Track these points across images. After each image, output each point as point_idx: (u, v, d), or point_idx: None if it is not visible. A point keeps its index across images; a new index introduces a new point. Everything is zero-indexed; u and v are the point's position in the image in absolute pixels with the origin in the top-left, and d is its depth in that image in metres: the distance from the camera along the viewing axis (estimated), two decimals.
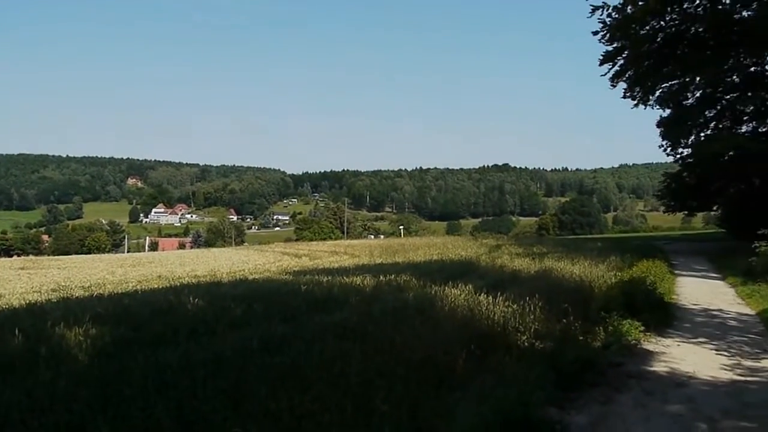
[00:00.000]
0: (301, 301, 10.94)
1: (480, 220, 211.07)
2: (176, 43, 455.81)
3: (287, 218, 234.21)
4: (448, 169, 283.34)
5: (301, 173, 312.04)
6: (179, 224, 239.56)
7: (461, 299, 9.97)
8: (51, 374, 6.11)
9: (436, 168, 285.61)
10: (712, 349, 9.65)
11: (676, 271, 21.13)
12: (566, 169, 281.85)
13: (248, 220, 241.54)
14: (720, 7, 26.67)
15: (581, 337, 8.95)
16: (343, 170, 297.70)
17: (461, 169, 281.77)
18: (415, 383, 6.15)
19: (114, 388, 5.62)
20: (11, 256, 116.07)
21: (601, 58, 29.52)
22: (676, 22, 27.57)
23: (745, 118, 33.12)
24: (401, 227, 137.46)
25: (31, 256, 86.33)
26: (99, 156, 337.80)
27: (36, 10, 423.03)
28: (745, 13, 26.62)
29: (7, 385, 5.84)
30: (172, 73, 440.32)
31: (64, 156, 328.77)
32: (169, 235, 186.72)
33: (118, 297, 13.50)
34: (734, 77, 31.32)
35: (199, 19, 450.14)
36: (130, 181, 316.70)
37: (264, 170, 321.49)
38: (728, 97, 32.48)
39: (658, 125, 35.42)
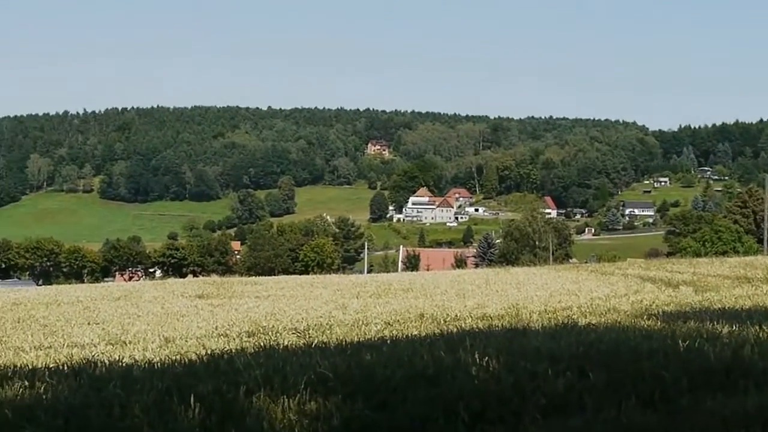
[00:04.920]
0: (679, 370, 10.71)
1: None
2: None
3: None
4: None
5: None
6: (454, 223, 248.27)
7: None
8: None
9: None
10: None
11: None
12: None
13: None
14: None
15: None
16: None
17: None
18: None
19: None
20: (185, 275, 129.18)
21: None
22: None
23: None
24: None
25: (213, 277, 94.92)
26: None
27: None
28: None
29: None
30: None
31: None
32: (440, 244, 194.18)
33: (354, 348, 14.29)
34: None
35: None
36: (373, 149, 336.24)
37: None
38: None
39: None
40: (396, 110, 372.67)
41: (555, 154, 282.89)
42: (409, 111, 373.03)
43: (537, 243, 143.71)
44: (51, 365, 14.76)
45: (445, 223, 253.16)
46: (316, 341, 17.44)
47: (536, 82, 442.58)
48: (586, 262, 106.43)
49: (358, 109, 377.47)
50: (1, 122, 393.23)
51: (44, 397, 9.44)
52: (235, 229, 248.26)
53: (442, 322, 22.32)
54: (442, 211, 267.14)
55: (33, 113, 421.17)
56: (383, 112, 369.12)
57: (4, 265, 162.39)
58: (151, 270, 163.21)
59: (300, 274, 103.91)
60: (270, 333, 21.83)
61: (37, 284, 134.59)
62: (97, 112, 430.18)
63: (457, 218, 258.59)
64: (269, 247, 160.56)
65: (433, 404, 9.00)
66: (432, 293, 43.68)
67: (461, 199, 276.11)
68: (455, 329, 18.34)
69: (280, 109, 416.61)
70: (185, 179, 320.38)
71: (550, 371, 10.49)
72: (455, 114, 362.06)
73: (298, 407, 8.78)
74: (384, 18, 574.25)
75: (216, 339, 21.70)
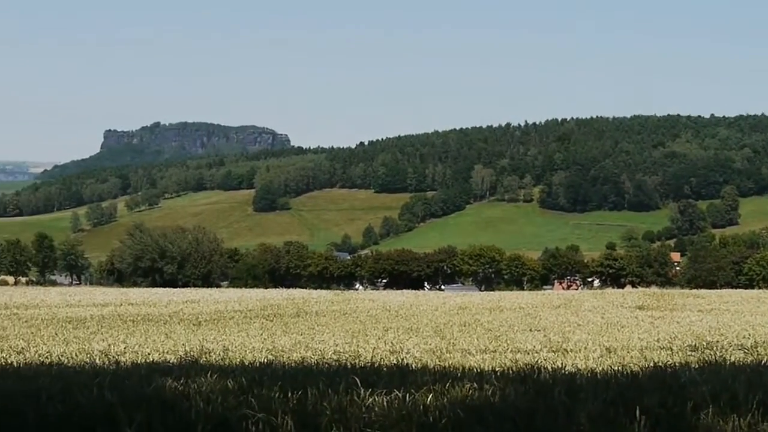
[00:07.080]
0: None
1: None
2: None
3: None
4: None
5: None
6: None
7: None
8: None
9: None
10: None
11: None
12: None
13: None
14: None
15: None
16: None
17: None
18: None
19: None
20: (623, 285, 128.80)
21: None
22: None
23: None
24: None
25: (653, 288, 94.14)
26: None
27: None
28: None
29: None
30: None
31: None
32: None
33: None
34: None
35: None
36: None
37: None
38: None
39: None
40: None
41: None
42: None
43: None
44: (497, 368, 15.25)
45: None
46: (765, 359, 16.90)
47: None
48: None
49: None
50: (447, 135, 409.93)
51: (492, 399, 9.73)
52: (675, 240, 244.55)
53: None
54: None
55: (477, 126, 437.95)
56: None
57: (449, 271, 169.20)
58: (589, 279, 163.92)
59: (744, 288, 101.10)
60: (714, 348, 21.40)
61: (480, 290, 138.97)
62: (537, 123, 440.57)
63: None
64: (711, 259, 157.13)
65: None
66: None
67: None
68: None
69: (724, 116, 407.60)
70: (624, 189, 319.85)
71: None
72: None
73: (749, 428, 8.49)
74: None
75: (658, 351, 21.59)
